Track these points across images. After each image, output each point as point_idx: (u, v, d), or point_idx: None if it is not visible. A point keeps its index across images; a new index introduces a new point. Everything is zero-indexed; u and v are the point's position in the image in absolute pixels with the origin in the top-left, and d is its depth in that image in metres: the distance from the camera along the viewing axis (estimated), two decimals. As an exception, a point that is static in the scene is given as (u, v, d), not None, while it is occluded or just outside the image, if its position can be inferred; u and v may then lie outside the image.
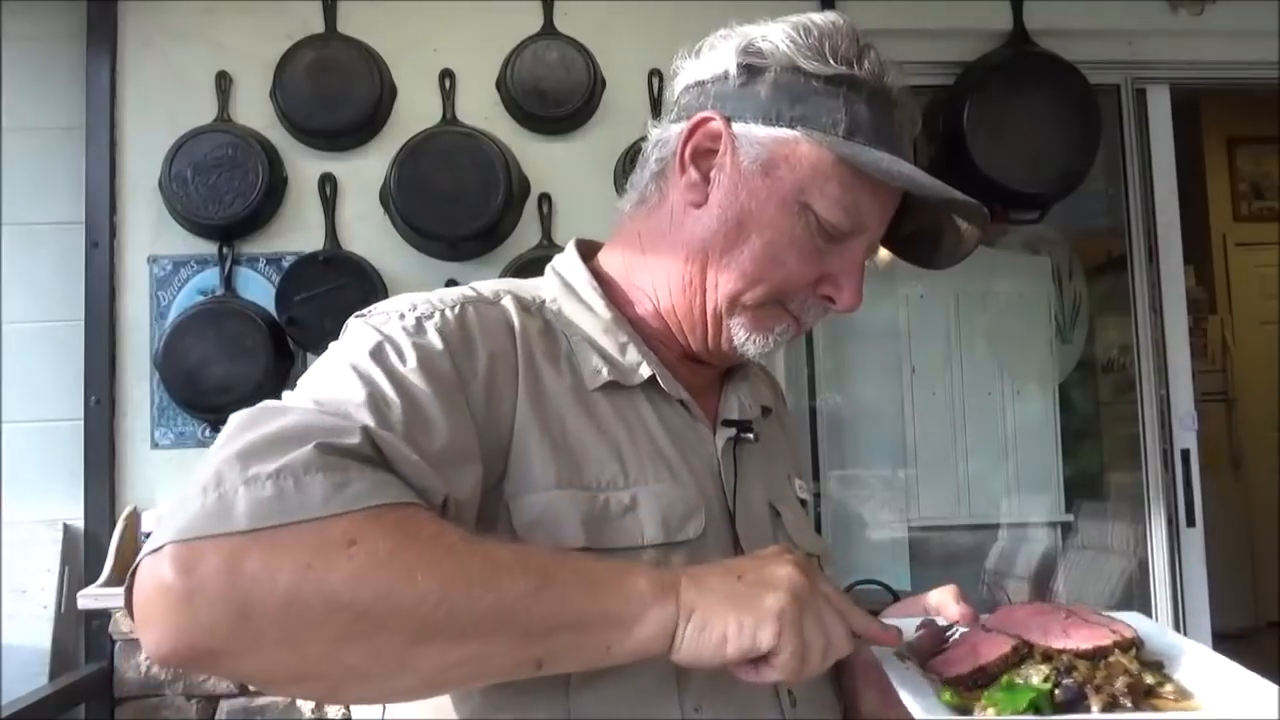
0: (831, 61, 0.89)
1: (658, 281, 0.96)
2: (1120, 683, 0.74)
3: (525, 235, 2.54)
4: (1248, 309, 5.66)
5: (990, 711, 0.74)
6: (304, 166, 2.52)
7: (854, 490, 2.99)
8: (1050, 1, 2.73)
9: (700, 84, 0.95)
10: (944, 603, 0.89)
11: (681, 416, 0.95)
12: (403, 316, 0.84)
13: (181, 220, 2.45)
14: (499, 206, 2.43)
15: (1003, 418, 3.07)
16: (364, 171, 2.52)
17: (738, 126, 0.91)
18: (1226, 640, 3.15)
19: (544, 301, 0.95)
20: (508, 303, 0.91)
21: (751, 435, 0.99)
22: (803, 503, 1.09)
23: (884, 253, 1.00)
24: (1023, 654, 0.79)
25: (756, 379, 1.09)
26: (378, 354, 0.79)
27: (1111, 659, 0.77)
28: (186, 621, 0.63)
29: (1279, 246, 5.42)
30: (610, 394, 0.91)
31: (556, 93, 2.53)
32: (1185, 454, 2.82)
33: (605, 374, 0.91)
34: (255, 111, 2.51)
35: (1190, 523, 2.81)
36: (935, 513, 3.02)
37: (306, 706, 2.26)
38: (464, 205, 2.43)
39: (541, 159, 2.56)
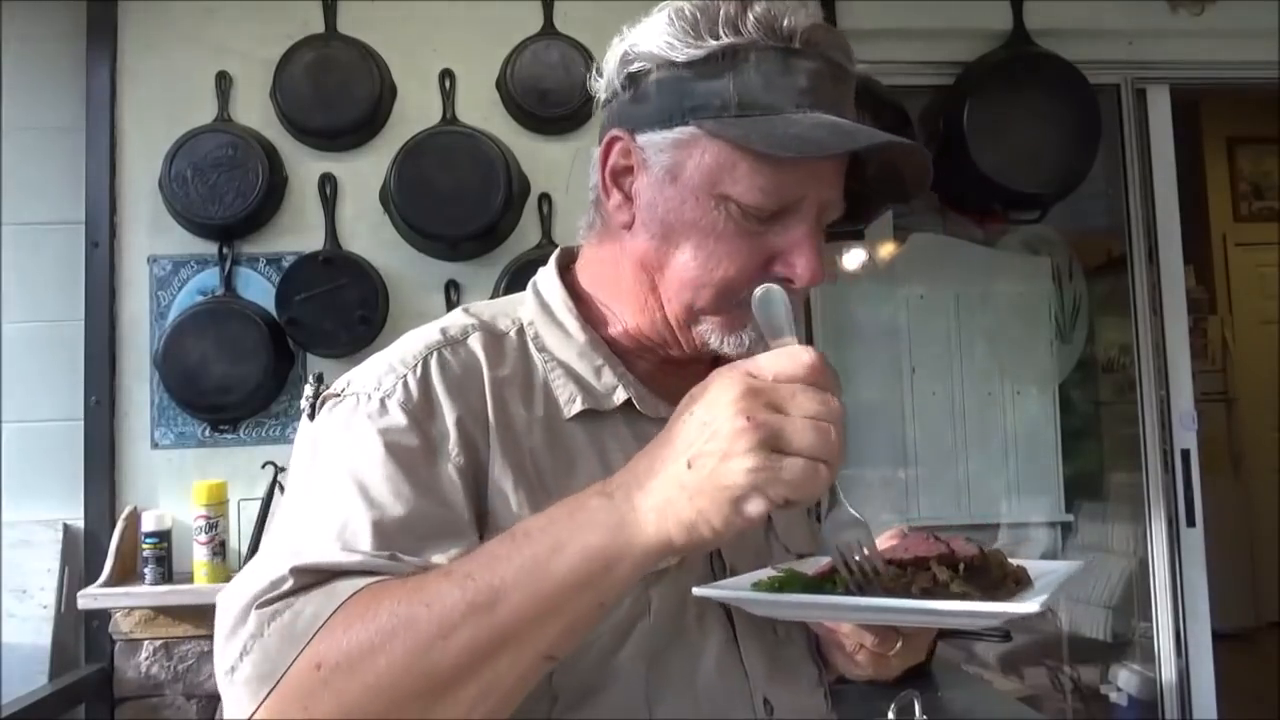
0: (708, 39, 0.85)
1: (619, 304, 0.95)
2: (915, 589, 0.79)
3: (525, 235, 2.54)
4: (1248, 309, 5.67)
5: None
6: (304, 166, 2.52)
7: (854, 490, 2.99)
8: (1050, 1, 2.73)
9: (606, 104, 0.94)
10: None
11: None
12: (369, 399, 0.85)
13: (181, 220, 2.45)
14: (499, 206, 2.43)
15: (1003, 418, 3.07)
16: (364, 171, 2.52)
17: (641, 138, 0.89)
18: (1226, 640, 3.15)
19: (523, 325, 0.94)
20: (474, 341, 0.90)
21: None
22: None
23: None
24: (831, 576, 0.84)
25: None
26: (345, 461, 0.82)
27: (926, 570, 0.81)
28: None
29: (1279, 246, 5.42)
30: (585, 422, 0.90)
31: (556, 93, 2.53)
32: (1185, 454, 2.83)
33: (579, 403, 0.90)
34: (255, 111, 2.51)
35: (1190, 523, 2.81)
36: (935, 513, 3.01)
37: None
38: (464, 205, 2.43)
39: (541, 159, 2.56)
